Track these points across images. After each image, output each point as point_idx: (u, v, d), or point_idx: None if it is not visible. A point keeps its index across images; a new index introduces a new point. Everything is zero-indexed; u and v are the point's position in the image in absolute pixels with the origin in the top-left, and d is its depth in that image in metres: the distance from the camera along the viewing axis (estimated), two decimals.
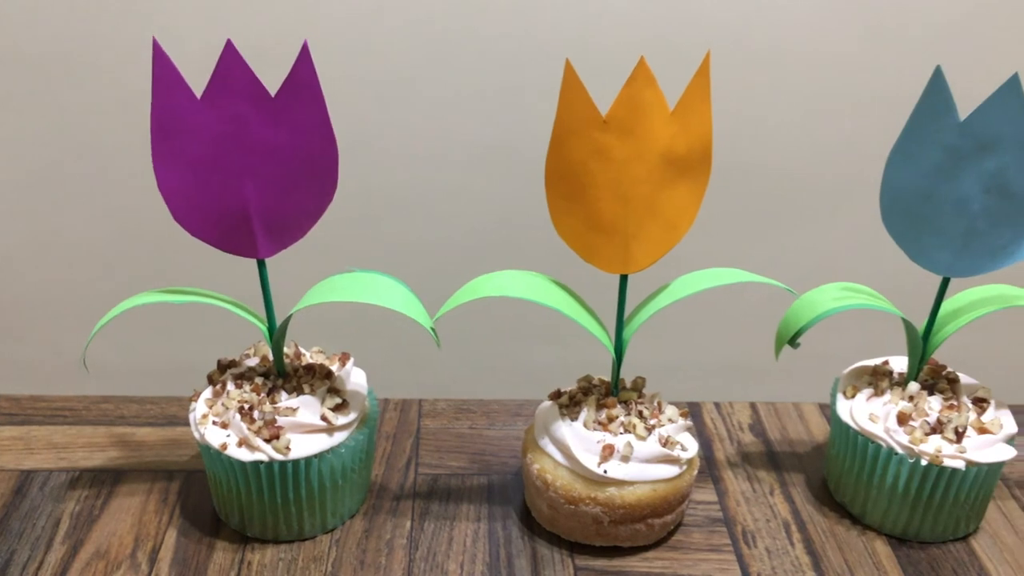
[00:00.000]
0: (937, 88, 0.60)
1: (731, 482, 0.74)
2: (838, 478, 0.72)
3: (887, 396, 0.69)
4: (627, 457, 0.64)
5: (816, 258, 0.96)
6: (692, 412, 0.83)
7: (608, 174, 0.60)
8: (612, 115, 0.59)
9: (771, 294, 0.80)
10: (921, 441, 0.66)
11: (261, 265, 0.64)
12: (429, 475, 0.74)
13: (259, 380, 0.66)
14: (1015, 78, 0.59)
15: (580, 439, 0.65)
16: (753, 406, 0.84)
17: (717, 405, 0.84)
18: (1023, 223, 0.63)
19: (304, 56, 0.57)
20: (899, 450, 0.66)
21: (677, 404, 0.82)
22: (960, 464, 0.65)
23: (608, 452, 0.64)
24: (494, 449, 0.77)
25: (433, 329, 0.63)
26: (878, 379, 0.70)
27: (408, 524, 0.69)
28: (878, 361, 0.73)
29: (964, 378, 0.71)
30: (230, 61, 0.57)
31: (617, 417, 0.66)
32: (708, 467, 0.76)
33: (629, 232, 0.62)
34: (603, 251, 0.63)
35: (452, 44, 0.86)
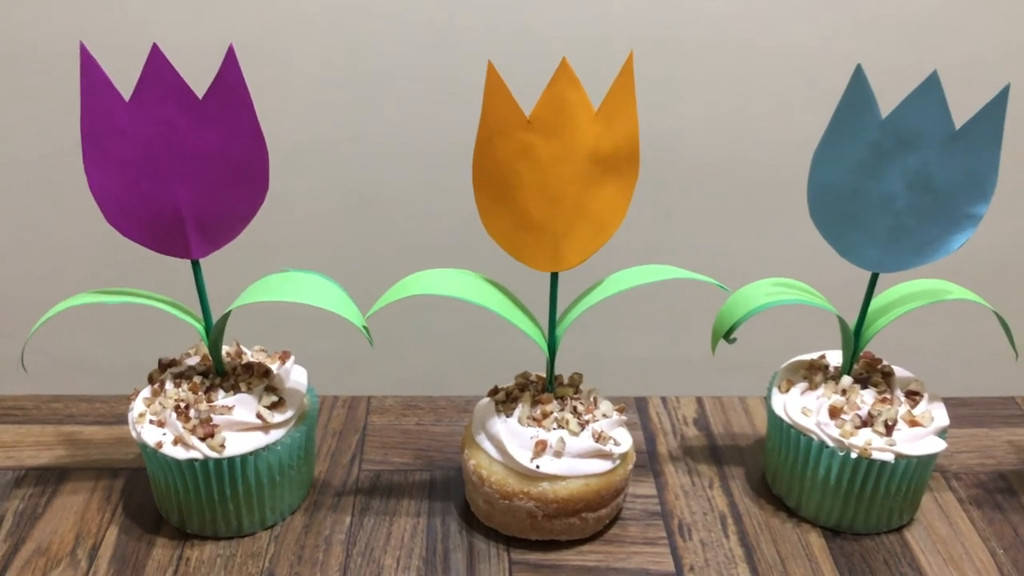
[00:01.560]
0: (858, 86, 0.61)
1: (671, 476, 0.75)
2: (775, 471, 0.73)
3: (821, 390, 0.70)
4: (560, 452, 0.65)
5: (760, 253, 0.97)
6: (639, 407, 0.83)
7: (534, 174, 0.61)
8: (536, 116, 0.59)
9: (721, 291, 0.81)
10: (851, 434, 0.66)
11: (196, 266, 0.65)
12: (372, 471, 0.75)
13: (197, 379, 0.66)
14: (934, 75, 0.60)
15: (514, 435, 0.66)
16: (699, 400, 0.85)
17: (664, 399, 0.85)
18: (947, 219, 0.64)
19: (230, 59, 0.58)
20: (830, 443, 0.67)
21: (624, 399, 0.83)
22: (889, 457, 0.66)
23: (541, 447, 0.65)
24: (439, 445, 0.78)
25: (366, 328, 0.64)
26: (813, 373, 0.71)
27: (348, 520, 0.70)
28: (815, 355, 0.74)
29: (900, 371, 0.72)
30: (157, 65, 0.58)
31: (551, 413, 0.67)
32: (650, 461, 0.77)
33: (558, 231, 0.63)
34: (533, 250, 0.64)
35: (380, 45, 0.88)
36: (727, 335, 0.70)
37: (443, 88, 0.91)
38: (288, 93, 0.91)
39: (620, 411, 0.69)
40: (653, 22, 0.90)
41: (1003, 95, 0.60)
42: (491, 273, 0.68)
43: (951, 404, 0.84)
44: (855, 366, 0.72)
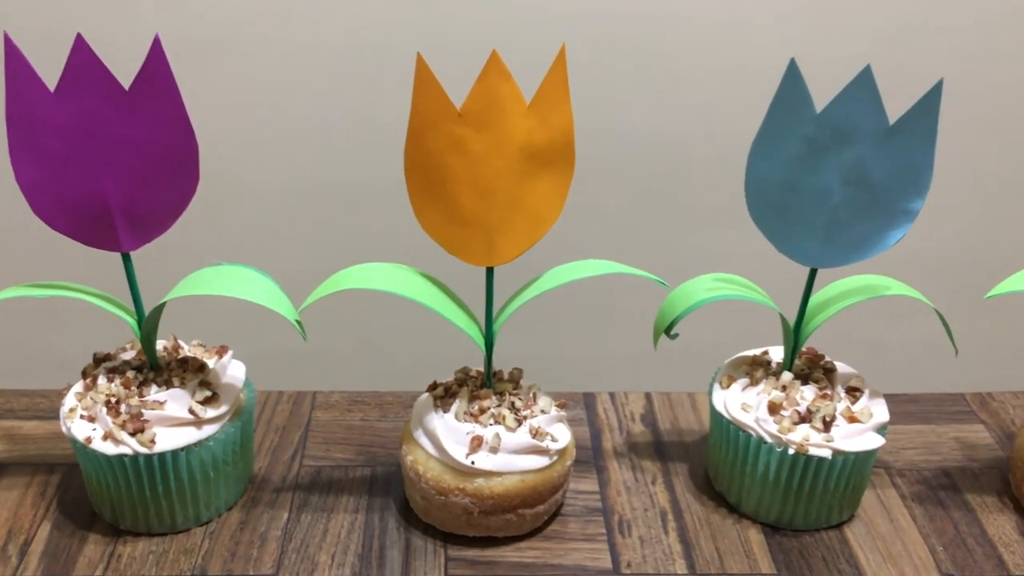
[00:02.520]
0: (792, 80, 0.61)
1: (615, 472, 0.75)
2: (716, 467, 0.72)
3: (761, 386, 0.69)
4: (495, 448, 0.65)
5: (707, 249, 0.97)
6: (587, 403, 0.83)
7: (466, 167, 0.60)
8: (467, 109, 0.59)
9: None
10: (789, 430, 0.66)
11: (126, 259, 0.64)
12: (313, 467, 0.74)
13: (131, 374, 0.66)
14: (867, 70, 0.60)
15: (450, 430, 0.65)
16: (648, 396, 0.84)
17: (612, 395, 0.84)
18: (884, 214, 0.63)
19: (156, 51, 0.57)
20: (768, 439, 0.67)
21: (573, 395, 0.83)
22: (827, 453, 0.66)
23: (477, 443, 0.64)
24: (382, 441, 0.77)
25: (299, 322, 0.63)
26: (754, 369, 0.71)
27: (285, 516, 0.69)
28: (758, 351, 0.74)
29: (842, 367, 0.72)
30: (81, 55, 0.57)
31: (489, 409, 0.66)
32: (594, 457, 0.76)
33: (492, 225, 0.62)
34: (466, 244, 0.63)
35: (289, 40, 0.88)
36: (668, 330, 0.70)
37: (382, 79, 0.91)
38: (224, 87, 0.91)
39: (561, 407, 0.69)
40: (602, 16, 0.90)
41: (936, 90, 0.60)
42: (435, 266, 0.67)
43: (899, 400, 0.84)
44: (798, 362, 0.72)
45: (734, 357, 0.74)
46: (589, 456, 0.77)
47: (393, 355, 1.06)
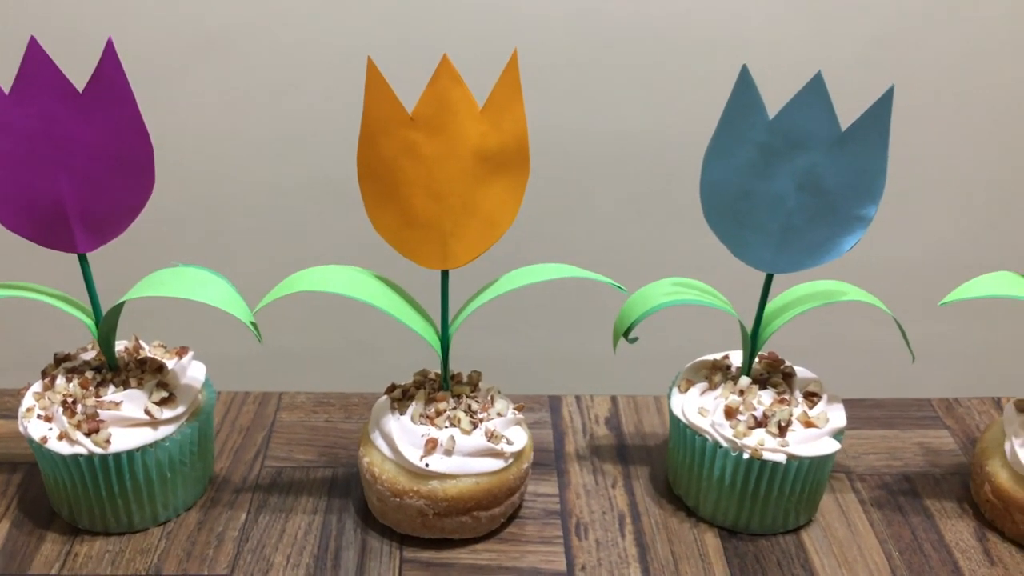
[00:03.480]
0: (745, 86, 0.61)
1: (575, 475, 0.75)
2: (675, 471, 0.73)
3: (719, 390, 0.70)
4: (450, 451, 0.65)
5: (674, 253, 0.97)
6: (552, 406, 0.83)
7: (419, 171, 0.61)
8: (418, 113, 0.59)
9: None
10: (745, 435, 0.66)
11: (83, 260, 0.64)
12: (275, 468, 0.74)
13: (89, 374, 0.66)
14: (818, 76, 0.60)
15: (406, 433, 0.66)
16: (613, 399, 0.85)
17: (578, 398, 0.84)
18: (837, 220, 0.64)
19: (109, 53, 0.58)
20: (724, 444, 0.67)
21: (539, 398, 0.83)
22: (781, 458, 0.66)
23: (431, 446, 0.65)
24: (345, 442, 0.77)
25: (254, 324, 0.64)
26: (713, 373, 0.71)
27: (243, 516, 0.69)
28: (719, 356, 0.74)
29: (802, 372, 0.72)
30: (35, 58, 0.58)
31: (445, 411, 0.67)
32: (556, 460, 0.77)
33: (445, 229, 0.63)
34: (421, 247, 0.63)
35: (245, 43, 0.88)
36: (626, 334, 0.70)
37: (338, 80, 0.91)
38: (180, 90, 0.92)
39: (519, 409, 0.69)
40: (562, 19, 0.91)
41: (888, 96, 0.60)
42: (396, 268, 0.68)
43: (865, 405, 0.84)
44: (757, 366, 0.72)
45: (695, 361, 0.74)
46: (551, 459, 0.77)
47: (369, 356, 1.06)
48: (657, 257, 1.01)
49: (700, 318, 0.91)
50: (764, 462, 0.66)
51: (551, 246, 1.00)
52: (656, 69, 0.94)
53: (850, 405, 0.83)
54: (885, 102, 0.60)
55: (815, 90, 0.60)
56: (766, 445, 0.66)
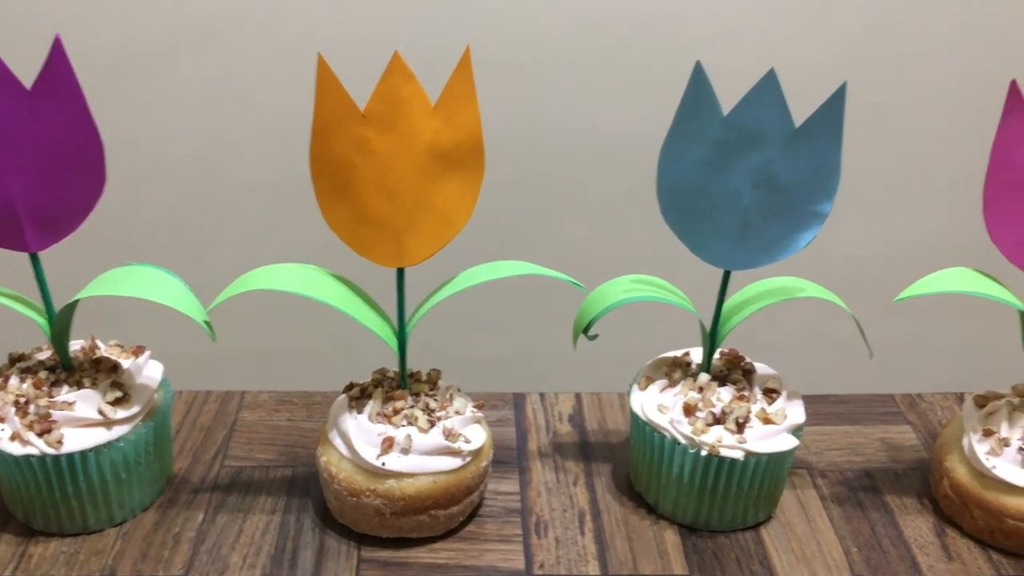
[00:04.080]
0: (698, 83, 0.61)
1: (537, 473, 0.75)
2: (635, 468, 0.72)
3: (679, 387, 0.70)
4: (407, 450, 0.65)
5: (639, 250, 0.97)
6: (516, 403, 0.83)
7: (371, 168, 0.60)
8: (370, 109, 0.59)
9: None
10: (703, 432, 0.66)
11: (34, 259, 0.64)
12: (234, 467, 0.74)
13: (43, 374, 0.65)
14: (771, 73, 0.60)
15: (363, 431, 0.65)
16: (578, 396, 0.84)
17: (542, 396, 0.84)
18: (793, 217, 0.64)
19: (57, 50, 0.57)
20: (682, 441, 0.67)
21: (504, 395, 0.83)
22: (739, 455, 0.66)
23: (388, 444, 0.64)
24: (306, 441, 0.77)
25: (207, 323, 0.63)
26: (673, 370, 0.71)
27: (201, 517, 0.69)
28: (680, 352, 0.74)
29: (763, 368, 0.72)
30: None
31: (402, 410, 0.66)
32: (518, 458, 0.76)
33: (399, 226, 0.62)
34: (375, 245, 0.63)
35: (206, 39, 0.88)
36: (585, 331, 0.70)
37: (291, 77, 0.91)
38: (130, 86, 0.91)
39: (478, 408, 0.69)
40: (522, 15, 0.91)
41: (840, 93, 0.60)
42: (354, 266, 0.67)
43: (829, 401, 0.84)
44: (718, 363, 0.72)
45: (656, 358, 0.74)
46: (513, 456, 0.77)
47: (336, 354, 1.06)
48: (619, 254, 1.01)
49: (667, 315, 0.91)
50: (722, 459, 0.66)
51: (511, 243, 1.00)
52: (614, 66, 0.94)
53: (814, 401, 0.84)
54: (838, 98, 0.60)
55: (768, 87, 0.60)
56: (724, 442, 0.66)
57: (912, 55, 0.96)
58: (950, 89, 0.98)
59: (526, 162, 0.98)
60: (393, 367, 0.70)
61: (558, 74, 0.94)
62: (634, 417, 0.70)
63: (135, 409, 0.65)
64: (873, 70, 0.96)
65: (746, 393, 0.69)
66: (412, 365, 0.71)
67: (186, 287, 0.64)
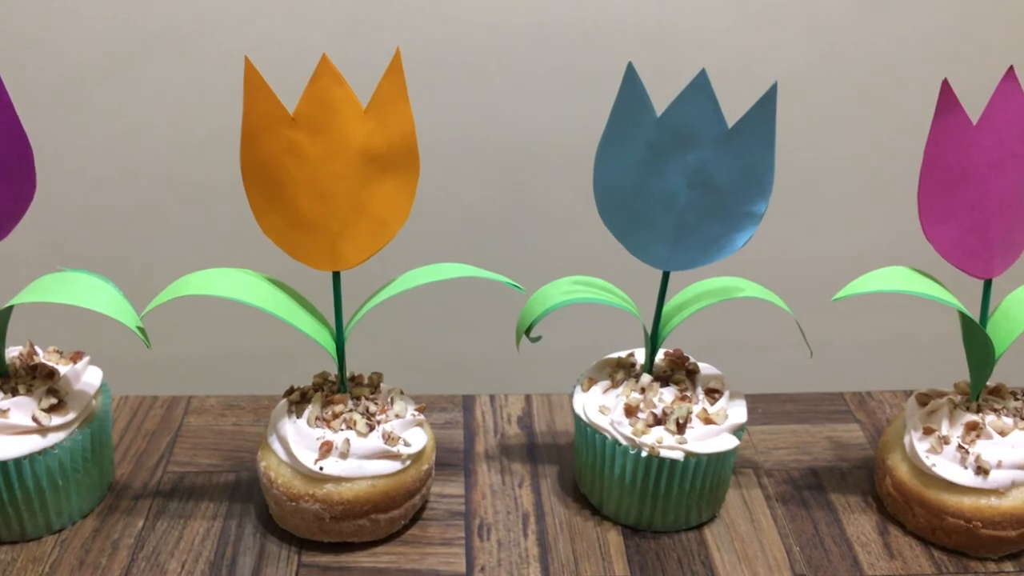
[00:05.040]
0: (631, 84, 0.61)
1: (483, 475, 0.75)
2: (580, 469, 0.72)
3: (621, 388, 0.70)
4: (345, 454, 0.64)
5: (589, 251, 0.98)
6: (465, 405, 0.83)
7: (303, 171, 0.60)
8: (300, 113, 0.59)
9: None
10: (643, 433, 0.66)
11: None
12: (177, 473, 0.73)
13: None
14: (703, 74, 0.60)
15: (301, 436, 0.65)
16: (528, 398, 0.84)
17: (492, 397, 0.84)
18: (729, 217, 0.64)
19: None
20: (623, 442, 0.67)
21: (453, 398, 0.83)
22: (679, 455, 0.66)
23: (326, 449, 0.64)
24: (251, 446, 0.77)
25: (140, 329, 0.63)
26: (616, 371, 0.71)
27: (141, 523, 0.68)
28: (624, 353, 0.74)
29: (707, 368, 0.72)
30: None
31: (342, 414, 0.66)
32: (464, 460, 0.76)
33: (334, 229, 0.62)
34: (309, 248, 0.63)
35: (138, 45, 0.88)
36: (527, 333, 0.70)
37: (233, 81, 0.91)
38: (64, 93, 0.91)
39: (420, 410, 0.69)
40: (459, 19, 0.91)
41: (771, 93, 0.60)
42: (297, 269, 0.67)
43: (778, 400, 0.84)
44: (661, 363, 0.72)
45: (601, 359, 0.74)
46: (459, 459, 0.76)
47: (290, 358, 1.05)
48: (565, 255, 1.01)
49: (621, 314, 0.91)
50: (663, 460, 0.66)
51: (452, 245, 1.00)
52: (553, 67, 0.94)
53: (763, 400, 0.84)
54: (769, 99, 0.60)
55: (700, 88, 0.60)
56: (664, 443, 0.66)
57: (853, 54, 0.97)
58: (892, 87, 0.98)
59: (466, 164, 0.98)
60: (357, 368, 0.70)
61: (497, 75, 0.94)
62: (576, 419, 0.70)
63: (71, 416, 0.65)
64: (813, 69, 0.96)
65: (688, 394, 0.69)
66: (364, 368, 0.71)
67: (120, 293, 0.63)
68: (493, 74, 0.94)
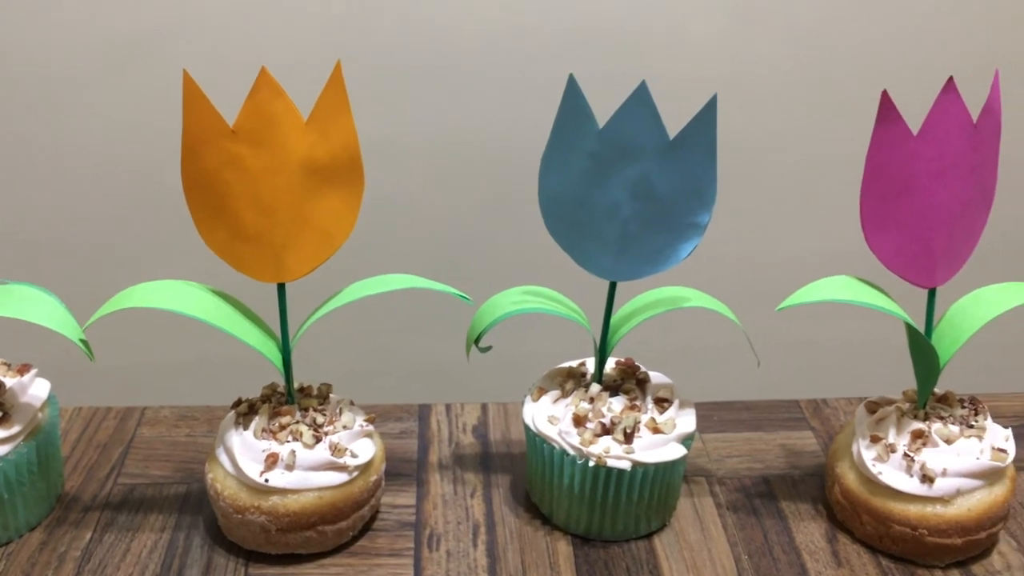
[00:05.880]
0: (573, 96, 0.61)
1: (435, 485, 0.75)
2: (531, 479, 0.73)
3: (571, 398, 0.70)
4: (291, 466, 0.64)
5: (544, 261, 0.98)
6: (421, 414, 0.83)
7: (245, 184, 0.60)
8: (240, 126, 0.59)
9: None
10: (591, 443, 0.66)
11: None
12: (127, 485, 0.73)
13: None
14: (643, 86, 0.60)
15: (247, 448, 0.65)
16: (484, 407, 0.84)
17: (448, 407, 0.84)
18: (672, 228, 0.64)
19: None
20: (571, 451, 0.67)
21: (409, 407, 0.83)
22: (626, 465, 0.66)
23: (272, 461, 0.64)
24: (203, 457, 0.76)
25: (83, 341, 0.63)
26: (567, 380, 0.71)
27: (89, 535, 0.68)
28: (576, 363, 0.74)
29: (658, 377, 0.72)
30: None
31: (288, 426, 0.66)
32: (417, 470, 0.76)
33: (277, 242, 0.62)
34: (253, 261, 0.63)
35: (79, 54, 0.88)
36: (476, 342, 0.70)
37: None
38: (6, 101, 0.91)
39: (370, 421, 0.69)
40: (402, 26, 0.91)
41: (711, 105, 0.60)
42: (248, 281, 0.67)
43: (734, 408, 0.85)
44: (612, 373, 0.72)
45: (551, 369, 0.74)
46: (412, 469, 0.76)
47: (252, 369, 1.05)
48: (516, 264, 1.01)
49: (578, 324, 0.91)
50: (610, 469, 0.66)
51: (405, 256, 1.00)
52: (502, 76, 0.94)
53: (719, 408, 0.84)
54: (709, 110, 0.60)
55: (640, 99, 0.60)
56: (611, 452, 0.66)
57: (797, 64, 0.97)
58: (838, 96, 0.99)
59: (416, 174, 0.98)
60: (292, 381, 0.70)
61: (446, 85, 0.94)
62: (526, 428, 0.70)
63: (15, 428, 0.65)
64: (760, 78, 0.97)
65: (638, 403, 0.69)
66: (324, 379, 0.71)
67: (62, 305, 0.63)
68: (444, 82, 0.94)
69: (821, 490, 0.75)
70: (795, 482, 0.76)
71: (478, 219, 1.02)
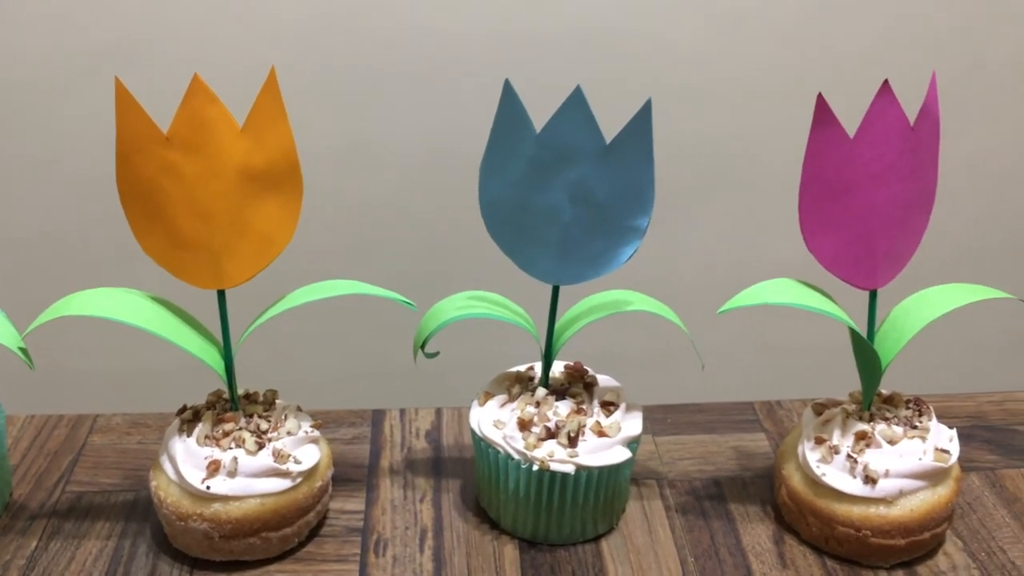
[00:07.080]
0: (509, 101, 0.61)
1: (385, 490, 0.75)
2: (478, 484, 0.73)
3: (517, 402, 0.70)
4: (233, 472, 0.64)
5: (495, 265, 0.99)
6: (375, 420, 0.83)
7: (181, 191, 0.60)
8: (173, 132, 0.59)
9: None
10: (535, 447, 0.66)
11: None
12: (76, 493, 0.73)
13: None
14: (578, 90, 0.60)
15: (190, 455, 0.65)
16: (438, 411, 0.84)
17: (402, 412, 0.84)
18: (612, 232, 0.64)
19: None
20: (515, 456, 0.67)
21: (363, 412, 0.83)
22: (570, 468, 0.66)
23: (214, 468, 0.64)
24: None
25: (23, 350, 0.63)
26: (513, 385, 0.71)
27: (34, 544, 0.68)
28: (524, 367, 0.74)
29: (606, 381, 0.73)
30: None
31: (231, 432, 0.66)
32: (368, 476, 0.76)
33: (215, 248, 0.62)
34: (191, 267, 0.63)
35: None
36: (422, 347, 0.70)
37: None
38: None
39: (316, 427, 0.69)
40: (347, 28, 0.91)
41: (646, 109, 0.60)
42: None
43: (687, 410, 0.85)
44: (559, 376, 0.72)
45: (499, 374, 0.74)
46: (362, 474, 0.76)
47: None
48: (462, 269, 1.01)
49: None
50: (554, 473, 0.66)
51: (349, 260, 1.00)
52: (442, 78, 0.94)
53: (673, 411, 0.85)
54: (644, 115, 0.60)
55: (576, 104, 0.60)
56: (555, 456, 0.66)
57: (734, 67, 0.98)
58: (777, 98, 0.99)
59: (359, 178, 0.98)
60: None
61: (388, 87, 0.94)
62: (473, 433, 0.70)
63: None
64: (700, 81, 0.97)
65: (584, 407, 0.69)
66: (277, 385, 0.71)
67: (1, 313, 0.63)
68: (385, 84, 0.94)
69: (771, 492, 0.75)
70: (745, 484, 0.76)
71: (428, 223, 1.01)
